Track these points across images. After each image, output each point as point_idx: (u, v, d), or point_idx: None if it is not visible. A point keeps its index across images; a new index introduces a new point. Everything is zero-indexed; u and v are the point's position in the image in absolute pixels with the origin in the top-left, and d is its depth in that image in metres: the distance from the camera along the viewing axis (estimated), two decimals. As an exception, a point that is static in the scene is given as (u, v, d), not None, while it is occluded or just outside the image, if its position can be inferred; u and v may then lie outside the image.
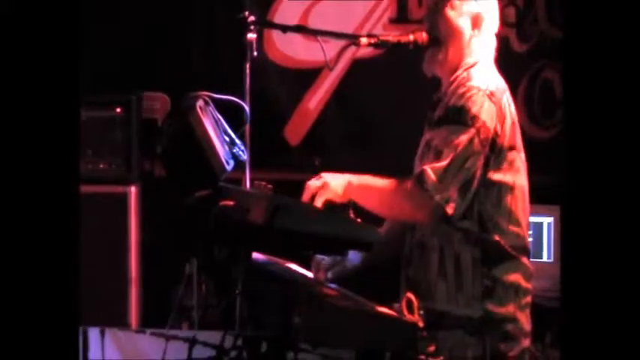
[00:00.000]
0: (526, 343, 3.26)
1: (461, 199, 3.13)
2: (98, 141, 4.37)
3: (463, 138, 3.15)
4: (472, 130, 3.15)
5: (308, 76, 5.29)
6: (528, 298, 3.27)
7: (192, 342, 3.13)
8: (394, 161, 4.58)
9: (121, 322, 4.10)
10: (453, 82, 3.30)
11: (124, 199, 4.33)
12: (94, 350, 3.17)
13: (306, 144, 5.27)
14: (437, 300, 3.24)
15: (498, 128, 3.19)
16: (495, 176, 3.22)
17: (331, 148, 5.25)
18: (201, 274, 3.76)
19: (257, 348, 3.09)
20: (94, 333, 3.17)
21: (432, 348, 2.96)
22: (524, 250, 3.28)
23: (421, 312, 2.93)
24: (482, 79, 3.25)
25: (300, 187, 3.35)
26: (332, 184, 3.24)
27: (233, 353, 3.10)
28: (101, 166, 4.36)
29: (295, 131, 5.24)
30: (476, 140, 3.15)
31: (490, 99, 3.20)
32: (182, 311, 3.86)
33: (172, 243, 4.11)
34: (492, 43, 3.39)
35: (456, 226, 3.21)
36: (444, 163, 3.13)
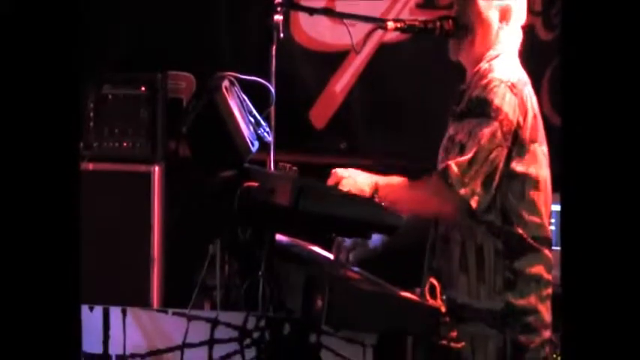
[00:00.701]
0: (547, 334, 3.24)
1: (485, 193, 3.12)
2: (123, 119, 4.37)
3: (486, 131, 3.13)
4: (495, 123, 3.14)
5: (334, 59, 5.26)
6: (549, 290, 3.25)
7: (214, 323, 3.12)
8: (419, 145, 4.62)
9: (143, 302, 4.10)
10: (475, 73, 3.29)
11: (147, 178, 4.33)
12: (115, 329, 3.16)
13: (331, 127, 5.24)
14: (458, 292, 3.22)
15: (520, 120, 3.18)
16: (518, 168, 3.20)
17: (357, 132, 5.22)
18: (225, 255, 3.76)
19: (279, 330, 3.09)
20: (115, 312, 3.16)
21: (454, 334, 2.94)
22: (546, 241, 3.26)
23: (444, 297, 2.91)
24: (504, 70, 3.24)
25: (324, 170, 3.34)
26: (359, 180, 3.22)
27: (255, 335, 3.10)
28: (125, 144, 4.36)
29: (321, 114, 5.21)
30: (499, 133, 3.14)
31: (512, 91, 3.19)
32: (204, 291, 3.85)
33: (196, 223, 4.10)
34: (518, 36, 3.38)
35: (479, 219, 3.19)
36: (467, 156, 3.12)
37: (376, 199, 3.20)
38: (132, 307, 3.21)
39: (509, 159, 3.17)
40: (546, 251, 3.25)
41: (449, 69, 3.48)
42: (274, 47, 4.01)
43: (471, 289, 3.20)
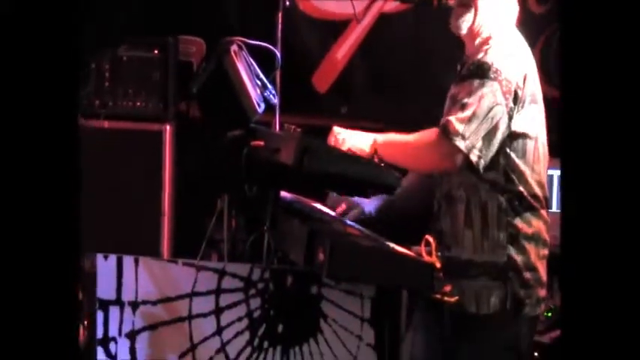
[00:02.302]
0: (542, 292, 3.23)
1: (485, 148, 3.09)
2: (137, 81, 4.36)
3: (486, 90, 3.10)
4: (495, 83, 3.11)
5: (337, 27, 5.22)
6: (546, 250, 3.23)
7: (221, 273, 3.10)
8: (416, 109, 4.60)
9: (154, 252, 4.12)
10: (477, 44, 3.25)
11: (159, 136, 4.33)
12: (127, 277, 3.14)
13: (333, 92, 5.22)
14: (463, 249, 3.19)
15: (520, 82, 3.15)
16: (518, 128, 3.16)
17: (357, 96, 5.20)
18: (232, 210, 3.74)
19: (283, 281, 3.08)
20: (128, 261, 3.14)
21: (447, 288, 2.93)
22: (544, 201, 3.25)
23: (438, 254, 2.90)
24: (505, 37, 3.22)
25: (326, 132, 3.33)
26: (358, 138, 3.20)
27: (260, 285, 3.09)
28: (139, 104, 4.35)
29: (323, 79, 5.19)
30: (498, 92, 3.10)
31: (512, 55, 3.18)
32: (212, 244, 3.85)
33: (205, 179, 4.10)
34: (515, 8, 3.33)
35: (482, 177, 3.16)
36: (468, 113, 3.09)
37: (376, 158, 3.18)
38: (144, 257, 3.18)
39: (509, 119, 3.13)
40: (543, 211, 3.23)
41: (446, 39, 3.45)
42: (280, 14, 3.99)
43: (475, 244, 3.18)
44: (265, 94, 3.76)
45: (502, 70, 3.12)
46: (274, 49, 3.89)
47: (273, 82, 3.84)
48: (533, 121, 3.20)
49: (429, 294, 2.96)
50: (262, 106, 3.66)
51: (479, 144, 3.08)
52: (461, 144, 3.06)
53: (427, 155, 3.19)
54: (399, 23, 5.12)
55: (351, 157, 3.12)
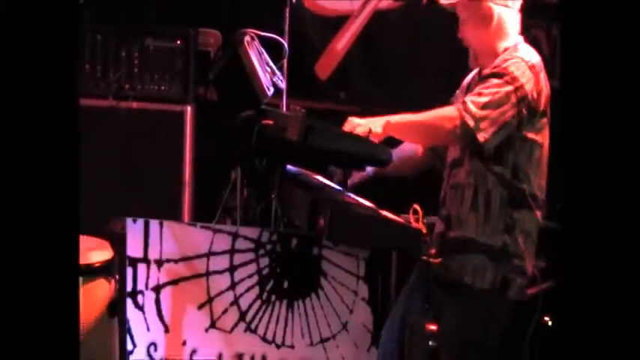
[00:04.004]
0: (525, 281, 3.19)
1: (491, 136, 3.02)
2: (161, 67, 4.35)
3: (502, 90, 3.03)
4: (511, 88, 3.03)
5: (336, 21, 5.18)
6: (533, 246, 3.19)
7: (234, 236, 3.09)
8: (407, 95, 4.58)
9: (176, 217, 4.11)
10: (493, 54, 3.16)
11: (181, 116, 4.32)
12: (153, 238, 3.13)
13: (333, 79, 5.18)
14: (467, 230, 3.15)
15: (534, 95, 3.06)
16: (529, 135, 3.10)
17: (354, 83, 5.17)
18: (244, 181, 3.73)
19: (288, 243, 3.07)
20: (154, 224, 3.13)
21: (432, 251, 2.91)
22: (541, 203, 3.19)
23: (425, 221, 2.88)
24: (525, 53, 3.12)
25: (327, 113, 3.31)
26: (372, 124, 3.14)
27: (268, 246, 3.08)
28: (163, 88, 4.33)
29: (324, 68, 5.15)
30: (513, 96, 3.03)
31: (531, 70, 3.08)
32: (227, 211, 3.83)
33: (220, 154, 4.08)
34: (519, 17, 3.24)
35: (491, 169, 3.11)
36: (483, 100, 3.02)
37: (386, 126, 3.11)
38: (167, 220, 3.17)
39: (520, 124, 3.07)
40: (538, 212, 3.18)
41: (434, 33, 3.44)
42: (288, 10, 3.97)
43: (478, 226, 3.13)
44: (274, 79, 3.74)
45: (519, 79, 3.04)
46: (282, 41, 3.88)
47: (280, 70, 3.82)
48: (542, 130, 3.13)
49: (416, 256, 2.94)
50: (271, 90, 3.64)
51: (488, 129, 3.01)
52: (470, 122, 2.99)
53: (438, 129, 3.08)
54: (391, 18, 5.09)
55: (348, 135, 3.09)
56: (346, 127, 3.11)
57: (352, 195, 3.28)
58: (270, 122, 3.17)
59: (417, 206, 2.87)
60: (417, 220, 2.84)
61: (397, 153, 3.41)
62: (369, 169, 3.41)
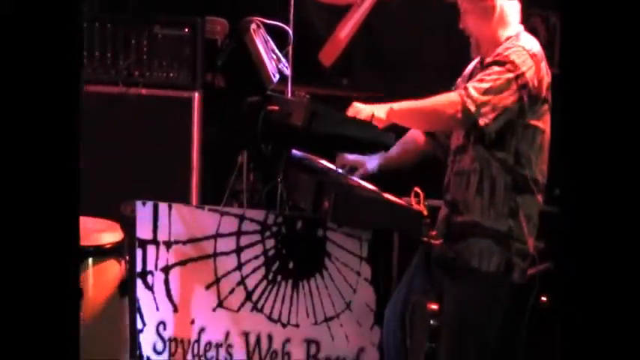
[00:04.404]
0: (527, 263, 3.18)
1: (492, 121, 3.01)
2: (170, 54, 4.33)
3: (503, 77, 3.02)
4: (512, 75, 3.02)
5: (340, 10, 5.16)
6: (535, 230, 3.18)
7: (241, 218, 3.08)
8: (407, 82, 4.57)
9: (185, 199, 4.12)
10: (495, 44, 3.15)
11: (189, 102, 4.31)
12: (162, 220, 3.12)
13: (336, 66, 5.17)
14: (473, 214, 3.14)
15: (535, 82, 3.06)
16: (531, 121, 3.09)
17: (356, 70, 5.16)
18: (250, 165, 3.71)
19: (293, 225, 3.06)
20: (163, 207, 3.12)
21: (433, 232, 2.90)
22: (542, 188, 3.18)
23: (426, 203, 2.87)
24: (527, 42, 3.11)
25: (330, 99, 3.30)
26: (376, 110, 3.12)
27: (274, 228, 3.07)
28: (172, 74, 4.32)
29: (328, 55, 5.13)
30: (514, 83, 3.02)
31: (532, 58, 3.07)
32: (233, 194, 3.82)
33: (228, 138, 4.07)
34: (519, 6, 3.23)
35: (494, 155, 3.10)
36: (485, 85, 3.01)
37: (389, 112, 3.10)
38: (176, 203, 3.16)
39: (521, 110, 3.06)
40: (539, 196, 3.17)
41: (435, 23, 3.42)
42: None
43: (483, 210, 3.12)
44: (279, 66, 3.72)
45: (520, 67, 3.03)
46: (287, 28, 3.85)
47: (286, 57, 3.81)
48: (544, 117, 3.12)
49: (417, 237, 2.94)
50: (277, 76, 3.62)
51: (489, 114, 3.00)
52: (472, 107, 2.99)
53: (440, 114, 3.07)
54: (393, 7, 5.07)
55: (352, 120, 3.08)
56: (350, 112, 3.10)
57: (356, 178, 3.27)
58: (276, 108, 3.16)
59: (418, 189, 2.86)
60: (418, 203, 2.84)
61: (399, 144, 3.40)
62: (373, 165, 3.40)
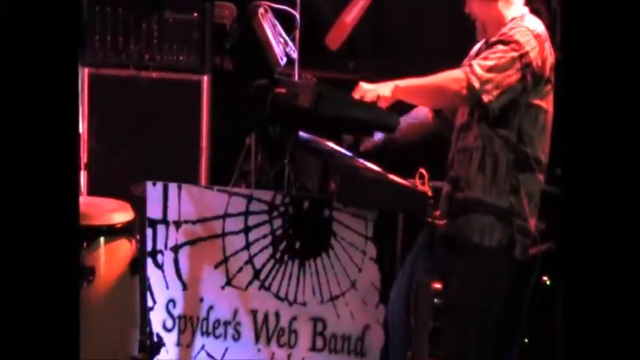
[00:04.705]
0: (528, 240, 3.17)
1: (496, 98, 3.00)
2: (179, 38, 4.31)
3: (507, 55, 3.01)
4: (516, 54, 3.01)
5: (347, -5, 5.14)
6: (536, 209, 3.17)
7: (249, 198, 3.06)
8: (411, 65, 4.53)
9: (194, 180, 4.11)
10: (499, 26, 3.14)
11: (198, 85, 4.29)
12: (172, 201, 3.11)
13: (342, 50, 5.14)
14: (475, 191, 3.13)
15: (539, 62, 3.04)
16: (535, 100, 3.07)
17: (362, 53, 5.14)
18: (258, 146, 3.70)
19: (300, 205, 3.04)
20: (172, 187, 3.11)
21: (437, 213, 2.89)
22: (543, 166, 3.17)
23: (430, 184, 2.85)
24: (531, 23, 3.09)
25: (336, 82, 3.28)
26: (381, 89, 3.10)
27: (282, 209, 3.05)
28: (181, 58, 4.30)
29: (334, 39, 5.09)
30: (518, 62, 3.01)
31: (536, 38, 3.05)
32: (242, 175, 3.81)
33: (236, 120, 4.06)
34: None
35: (497, 132, 3.09)
36: (490, 63, 2.99)
37: (394, 90, 3.08)
38: (185, 184, 3.15)
39: (525, 89, 3.04)
40: (540, 175, 3.15)
41: (439, 7, 3.40)
42: (300, -17, 3.94)
43: (485, 187, 3.11)
44: (287, 50, 3.71)
45: (524, 46, 3.01)
46: (294, 13, 3.83)
47: (293, 41, 3.79)
48: (547, 97, 3.11)
49: (421, 217, 2.92)
50: (284, 59, 3.61)
51: (492, 91, 2.99)
52: (476, 84, 2.97)
53: (445, 91, 3.06)
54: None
55: (358, 102, 3.07)
56: (356, 93, 3.08)
57: (361, 160, 3.25)
58: (283, 90, 3.14)
59: (422, 170, 2.84)
60: (422, 184, 2.82)
61: (406, 120, 3.38)
62: (380, 136, 3.38)
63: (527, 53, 3.01)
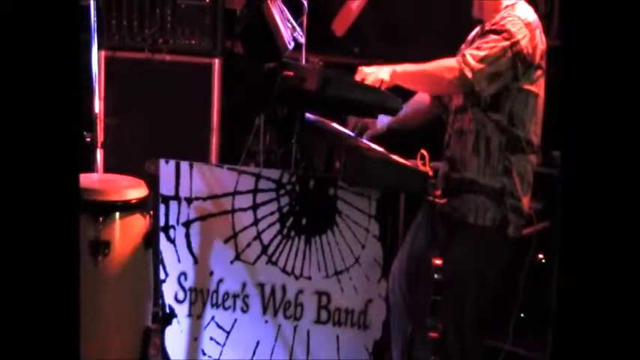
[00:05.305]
0: (522, 218, 3.16)
1: (487, 86, 3.01)
2: (192, 23, 4.32)
3: (499, 45, 3.01)
4: (507, 43, 3.01)
5: (352, -18, 5.08)
6: (530, 189, 3.16)
7: (258, 176, 3.04)
8: (414, 51, 4.48)
9: (205, 159, 4.12)
10: (494, 15, 3.14)
11: (210, 68, 4.30)
12: (184, 178, 3.10)
13: (348, 35, 5.10)
14: (470, 170, 3.13)
15: (529, 49, 3.04)
16: (525, 86, 3.08)
17: (367, 39, 5.10)
18: (267, 127, 3.68)
19: (307, 184, 3.02)
20: (184, 165, 3.09)
21: (438, 192, 2.87)
22: (535, 148, 3.17)
23: (431, 165, 2.83)
24: (522, 12, 3.09)
25: (342, 66, 3.25)
26: (380, 73, 3.10)
27: (289, 187, 3.03)
28: (194, 42, 4.29)
29: (340, 25, 5.05)
30: (509, 51, 3.01)
31: (526, 27, 3.05)
32: (251, 154, 3.79)
33: (246, 102, 4.04)
34: None
35: (490, 116, 3.09)
36: (482, 53, 3.00)
37: (392, 74, 3.06)
38: (197, 162, 3.13)
39: (515, 76, 3.04)
40: (532, 156, 3.15)
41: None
42: (307, -30, 3.90)
43: (479, 168, 3.12)
44: (294, 34, 3.67)
45: (515, 35, 3.01)
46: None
47: (300, 26, 3.76)
48: (538, 82, 3.11)
49: (422, 196, 2.91)
50: (292, 44, 3.57)
51: (484, 80, 3.00)
52: (469, 74, 2.98)
53: (439, 79, 3.06)
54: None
55: (362, 86, 3.06)
56: (357, 76, 3.09)
57: (365, 141, 3.23)
58: (291, 74, 3.12)
59: (424, 151, 2.83)
60: (423, 164, 2.81)
61: (407, 105, 3.37)
62: (383, 124, 3.38)
63: (517, 42, 3.02)
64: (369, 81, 3.04)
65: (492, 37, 3.03)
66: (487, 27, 3.11)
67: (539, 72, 3.10)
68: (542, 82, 3.12)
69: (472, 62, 2.98)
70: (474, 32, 3.30)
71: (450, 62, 3.03)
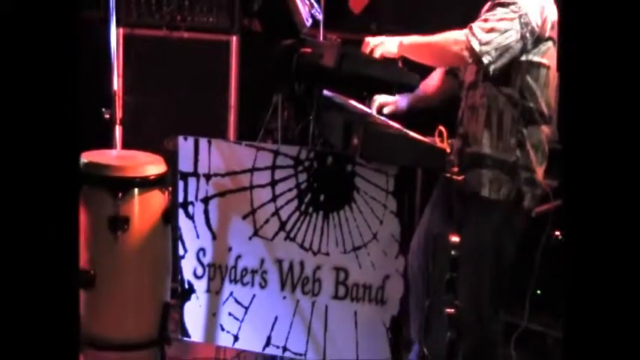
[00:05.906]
0: (538, 192, 3.12)
1: (495, 59, 2.96)
2: (210, 0, 4.30)
3: (507, 16, 2.96)
4: (515, 15, 2.95)
5: (369, -41, 5.03)
6: (545, 160, 3.13)
7: (276, 153, 3.00)
8: (430, 26, 4.42)
9: (223, 135, 4.09)
10: None
11: (227, 45, 4.27)
12: (202, 154, 3.07)
13: (365, 12, 5.05)
14: (483, 145, 3.10)
15: (539, 21, 2.98)
16: (535, 58, 3.03)
17: (384, 16, 5.03)
18: (285, 104, 3.63)
19: (324, 160, 2.98)
20: (203, 142, 3.06)
21: (455, 169, 2.82)
22: (548, 119, 3.11)
23: (449, 141, 2.78)
24: None
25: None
26: (387, 43, 3.06)
27: (306, 163, 2.99)
28: (211, 19, 4.26)
29: (358, 2, 5.01)
30: (517, 22, 2.95)
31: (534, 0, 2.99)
32: (268, 131, 3.75)
33: (263, 79, 4.00)
34: None
35: (501, 90, 3.05)
36: (488, 25, 2.95)
37: (399, 46, 3.00)
38: (215, 139, 3.10)
39: (524, 48, 2.98)
40: (544, 127, 3.11)
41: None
42: (325, -52, 3.83)
43: (492, 143, 3.09)
44: (312, 12, 3.61)
45: (523, 8, 2.96)
46: (320, -23, 3.74)
47: (318, 3, 3.70)
48: (549, 54, 3.05)
49: (440, 173, 2.87)
50: (310, 21, 3.52)
51: (492, 52, 2.94)
52: (476, 46, 2.93)
53: (447, 51, 3.01)
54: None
55: (380, 62, 3.02)
56: (364, 47, 3.04)
57: (382, 117, 3.19)
58: (309, 50, 3.08)
59: (442, 128, 2.78)
60: (441, 141, 2.75)
61: (425, 84, 3.34)
62: (403, 104, 3.34)
63: (525, 14, 2.96)
64: (375, 53, 3.00)
65: (500, 9, 2.97)
66: (495, 0, 3.06)
67: (549, 44, 3.05)
68: (553, 53, 3.07)
69: (480, 34, 2.93)
70: (485, 7, 3.24)
71: (458, 34, 2.98)
